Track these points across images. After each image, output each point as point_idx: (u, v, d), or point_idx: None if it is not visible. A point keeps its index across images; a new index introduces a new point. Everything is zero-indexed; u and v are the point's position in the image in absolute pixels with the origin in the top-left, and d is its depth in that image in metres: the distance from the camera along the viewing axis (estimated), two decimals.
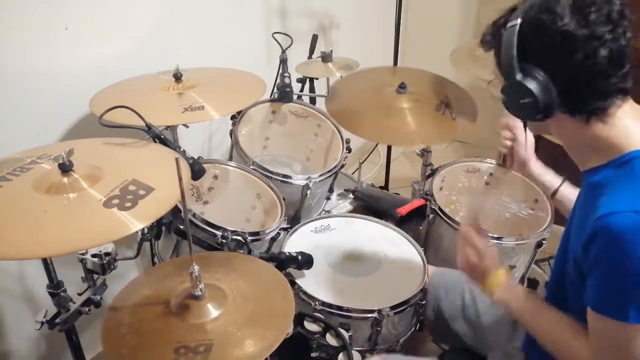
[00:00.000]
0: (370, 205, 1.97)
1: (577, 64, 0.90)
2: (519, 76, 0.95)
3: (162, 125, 1.37)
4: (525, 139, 1.44)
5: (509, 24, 0.95)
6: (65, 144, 1.19)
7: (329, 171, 1.78)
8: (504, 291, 1.16)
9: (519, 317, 1.15)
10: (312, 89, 2.09)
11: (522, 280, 1.85)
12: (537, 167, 1.46)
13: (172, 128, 1.59)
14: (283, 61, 1.87)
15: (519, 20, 0.94)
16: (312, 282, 1.44)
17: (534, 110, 0.97)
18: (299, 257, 1.42)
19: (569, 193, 1.40)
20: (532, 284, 1.94)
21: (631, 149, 0.94)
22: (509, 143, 1.47)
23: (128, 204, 0.94)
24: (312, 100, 2.09)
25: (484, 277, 1.18)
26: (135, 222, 0.92)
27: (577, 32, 0.89)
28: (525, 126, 1.09)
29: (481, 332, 1.39)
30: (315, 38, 2.13)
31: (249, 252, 1.38)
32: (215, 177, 1.68)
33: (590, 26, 0.88)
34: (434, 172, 1.87)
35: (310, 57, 2.11)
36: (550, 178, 1.45)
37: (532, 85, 0.94)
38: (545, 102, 0.95)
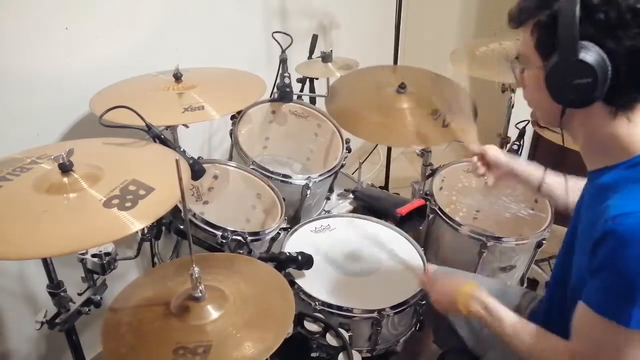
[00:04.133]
0: (370, 205, 1.97)
1: (636, 46, 0.86)
2: (582, 53, 0.87)
3: (162, 126, 1.37)
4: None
5: None
6: (65, 144, 1.19)
7: (328, 171, 1.78)
8: (475, 303, 1.16)
9: (493, 328, 1.13)
10: (312, 89, 2.09)
11: (522, 280, 1.85)
12: (519, 163, 1.40)
13: (172, 128, 1.59)
14: (283, 61, 1.87)
15: None
16: (312, 282, 1.44)
17: (588, 93, 0.90)
18: (299, 257, 1.42)
19: (554, 182, 1.37)
20: (532, 284, 1.94)
21: None
22: (482, 169, 1.44)
23: (128, 204, 0.94)
24: (312, 100, 2.09)
25: (455, 304, 1.19)
26: (135, 222, 0.91)
27: None
28: (563, 114, 0.97)
29: (479, 333, 1.39)
30: (315, 38, 2.12)
31: (249, 252, 1.38)
32: (215, 177, 1.68)
33: None
34: (434, 172, 1.87)
35: (310, 57, 2.11)
36: (534, 170, 1.40)
37: (594, 63, 0.87)
38: (602, 83, 0.88)
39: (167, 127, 1.55)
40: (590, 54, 0.87)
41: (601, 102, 0.93)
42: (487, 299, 1.16)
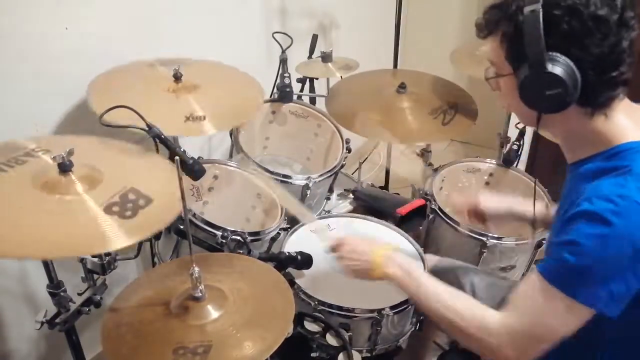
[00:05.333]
0: (370, 205, 1.97)
1: (606, 50, 0.88)
2: (549, 65, 0.89)
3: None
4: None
5: (528, 8, 0.88)
6: (63, 138, 1.17)
7: (329, 171, 1.78)
8: (392, 265, 1.14)
9: (409, 290, 1.12)
10: (312, 89, 2.09)
11: None
12: (512, 203, 1.40)
13: None
14: (283, 61, 1.87)
15: (538, 5, 0.87)
16: (312, 282, 1.44)
17: (560, 102, 0.92)
18: (299, 257, 1.42)
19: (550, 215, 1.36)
20: None
21: (622, 142, 0.95)
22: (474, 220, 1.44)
23: (128, 213, 0.93)
24: (312, 100, 2.09)
25: (370, 265, 1.17)
26: (135, 233, 0.91)
27: (610, 17, 0.87)
28: (539, 120, 0.99)
29: None
30: (315, 38, 2.13)
31: (249, 252, 1.38)
32: (215, 177, 1.68)
33: (620, 12, 0.87)
34: (434, 172, 1.87)
35: (310, 57, 2.11)
36: (528, 206, 1.36)
37: (563, 75, 0.89)
38: (572, 92, 0.90)
39: None
40: (558, 64, 0.89)
41: (576, 105, 0.94)
42: (405, 260, 1.15)
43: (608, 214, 0.87)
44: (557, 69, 0.89)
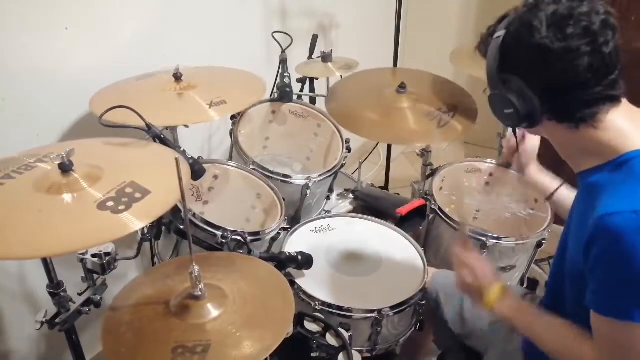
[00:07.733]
0: (370, 205, 1.97)
1: (554, 76, 0.93)
2: (500, 88, 0.99)
3: (162, 126, 1.37)
4: (521, 143, 1.50)
5: (495, 35, 0.98)
6: (71, 143, 1.18)
7: (328, 171, 1.78)
8: (503, 304, 1.16)
9: (520, 327, 1.15)
10: (312, 89, 2.09)
11: (522, 281, 1.85)
12: (535, 171, 1.48)
13: (172, 128, 1.59)
14: (283, 61, 1.87)
15: (503, 32, 0.97)
16: (312, 282, 1.44)
17: (516, 120, 1.00)
18: (299, 257, 1.42)
19: (567, 195, 1.41)
20: (532, 284, 1.94)
21: (628, 150, 0.94)
22: (508, 151, 1.53)
23: (121, 207, 0.93)
24: (312, 100, 2.09)
25: (482, 295, 1.18)
26: (128, 224, 0.90)
27: (553, 45, 0.90)
28: (514, 132, 1.14)
29: (480, 332, 1.39)
30: (315, 38, 2.12)
31: (249, 252, 1.38)
32: (215, 177, 1.68)
33: (566, 40, 0.90)
34: (434, 172, 1.87)
35: (310, 57, 2.11)
36: (549, 180, 1.47)
37: (513, 96, 0.98)
38: (527, 112, 0.97)
39: (167, 127, 1.55)
40: (512, 87, 0.98)
41: (552, 121, 0.98)
42: (515, 300, 1.18)
43: (624, 232, 0.87)
44: (508, 91, 0.98)
